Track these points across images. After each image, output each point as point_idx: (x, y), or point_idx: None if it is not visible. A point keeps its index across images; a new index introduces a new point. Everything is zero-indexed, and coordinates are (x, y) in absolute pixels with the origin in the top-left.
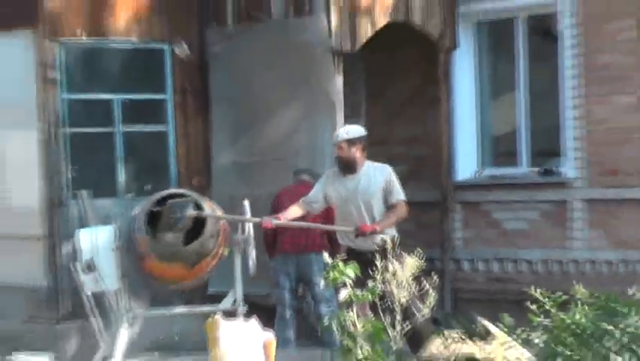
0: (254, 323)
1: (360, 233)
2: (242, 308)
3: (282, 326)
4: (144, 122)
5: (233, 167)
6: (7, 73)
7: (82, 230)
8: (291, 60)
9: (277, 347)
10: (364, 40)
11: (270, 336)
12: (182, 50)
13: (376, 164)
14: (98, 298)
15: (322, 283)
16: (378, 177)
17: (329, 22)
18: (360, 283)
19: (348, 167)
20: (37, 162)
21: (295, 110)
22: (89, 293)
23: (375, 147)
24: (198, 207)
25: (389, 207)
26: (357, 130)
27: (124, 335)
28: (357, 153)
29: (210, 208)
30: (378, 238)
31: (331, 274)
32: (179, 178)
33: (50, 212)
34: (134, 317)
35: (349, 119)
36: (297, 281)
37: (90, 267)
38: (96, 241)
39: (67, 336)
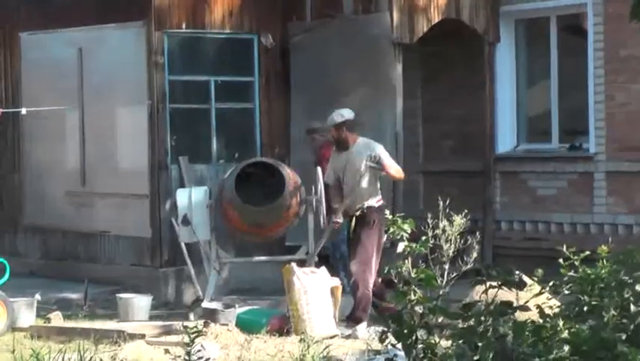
0: (323, 271)
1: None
2: (313, 258)
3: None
4: (234, 100)
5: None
6: (122, 58)
7: (180, 190)
8: (359, 50)
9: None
10: (421, 34)
11: (337, 282)
12: (268, 40)
13: (367, 140)
14: (192, 248)
15: None
16: (363, 153)
17: (391, 18)
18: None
19: (339, 145)
20: (145, 132)
21: (361, 92)
22: (185, 243)
23: (429, 124)
24: (278, 172)
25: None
26: (342, 114)
27: (213, 280)
28: (345, 133)
29: (290, 173)
30: (359, 206)
31: (391, 228)
32: (262, 148)
33: (155, 174)
34: (222, 264)
35: (407, 100)
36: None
37: (186, 221)
38: (192, 199)
39: (166, 280)
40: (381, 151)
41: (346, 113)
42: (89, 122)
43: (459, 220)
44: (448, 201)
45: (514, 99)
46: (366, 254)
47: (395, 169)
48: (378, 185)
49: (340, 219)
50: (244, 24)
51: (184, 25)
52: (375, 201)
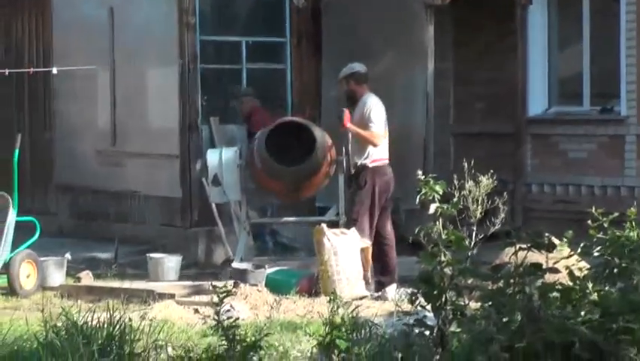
0: (353, 232)
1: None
2: (343, 219)
3: None
4: (266, 60)
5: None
6: (153, 17)
7: (211, 150)
8: (391, 12)
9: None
10: None
11: (367, 243)
12: (300, 0)
13: (368, 96)
14: (223, 208)
15: None
16: (360, 107)
17: None
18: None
19: (348, 98)
20: (176, 92)
21: (392, 53)
22: (215, 204)
23: (460, 87)
24: (310, 133)
25: None
26: (351, 67)
27: (243, 240)
28: (352, 86)
29: (321, 133)
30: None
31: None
32: (293, 108)
33: (185, 134)
34: (252, 225)
35: (438, 62)
36: None
37: (217, 181)
38: (222, 160)
39: (196, 240)
40: (371, 109)
41: (355, 67)
42: (120, 82)
43: (486, 181)
44: (474, 163)
45: (545, 62)
46: (356, 215)
47: (365, 133)
48: (382, 145)
49: None
50: None
51: None
52: (370, 161)
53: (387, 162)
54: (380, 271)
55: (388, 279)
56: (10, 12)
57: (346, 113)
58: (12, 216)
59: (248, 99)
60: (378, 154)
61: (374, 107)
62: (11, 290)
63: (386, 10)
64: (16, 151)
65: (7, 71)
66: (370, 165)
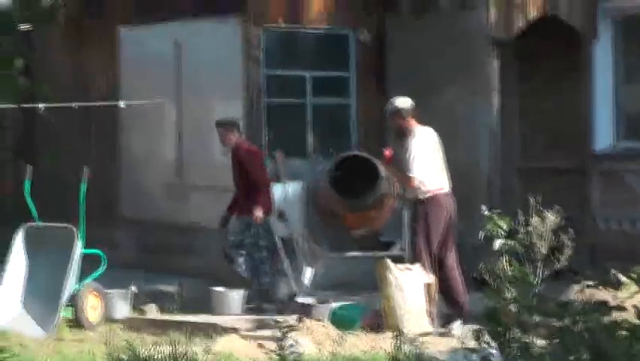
0: (417, 267)
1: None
2: (408, 254)
3: None
4: (330, 95)
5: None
6: (219, 51)
7: (275, 184)
8: (455, 46)
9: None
10: (517, 30)
11: (431, 279)
12: (364, 35)
13: (412, 133)
14: (287, 242)
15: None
16: (404, 146)
17: (488, 15)
18: None
19: (396, 133)
20: (241, 127)
21: (456, 87)
22: (280, 238)
23: (525, 121)
24: (374, 167)
25: None
26: (392, 102)
27: (307, 274)
28: (399, 121)
29: (383, 168)
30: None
31: (487, 225)
32: (358, 143)
33: None
34: (316, 259)
35: (503, 97)
36: None
37: (281, 215)
38: (287, 194)
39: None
40: (410, 152)
41: (397, 102)
42: (186, 116)
43: (551, 217)
44: (541, 198)
45: (611, 96)
46: (417, 250)
47: (401, 177)
48: (434, 177)
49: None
50: (340, 19)
51: (281, 20)
52: (422, 193)
53: (443, 191)
54: (446, 306)
55: (454, 314)
56: (78, 45)
57: (386, 152)
58: (78, 249)
59: (222, 130)
60: (430, 185)
61: (414, 149)
62: (77, 322)
63: (451, 44)
64: (83, 184)
65: (74, 105)
66: (422, 197)
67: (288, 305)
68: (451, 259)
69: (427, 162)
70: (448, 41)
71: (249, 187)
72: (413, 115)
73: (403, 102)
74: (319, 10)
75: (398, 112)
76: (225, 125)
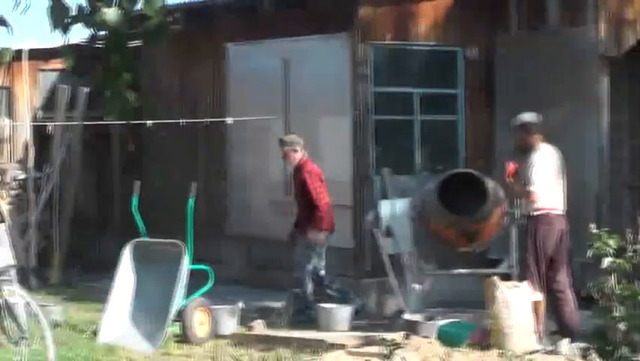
0: (525, 285)
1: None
2: (516, 272)
3: None
4: (438, 112)
5: (514, 152)
6: (326, 68)
7: (383, 201)
8: (564, 63)
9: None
10: (628, 48)
11: (539, 297)
12: (473, 52)
13: (536, 148)
14: (395, 259)
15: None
16: (527, 161)
17: (598, 32)
18: None
19: (519, 147)
20: (349, 144)
21: (566, 105)
22: (387, 254)
23: (635, 138)
24: (482, 184)
25: None
26: (519, 118)
27: (415, 291)
28: (523, 136)
29: (493, 185)
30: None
31: (596, 243)
32: (466, 160)
33: (358, 185)
34: (424, 276)
35: (613, 114)
36: None
37: (389, 232)
38: (395, 211)
39: (369, 290)
40: (533, 166)
41: (524, 117)
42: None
43: None
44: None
45: None
46: (526, 267)
47: (522, 191)
48: (550, 195)
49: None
50: (449, 36)
51: (388, 37)
52: (534, 210)
53: (555, 211)
54: (555, 324)
55: (563, 333)
56: (187, 62)
57: (509, 166)
58: (186, 264)
59: (286, 149)
60: (543, 203)
61: (537, 163)
62: (185, 338)
63: (560, 60)
64: (191, 200)
65: (182, 122)
66: (534, 214)
67: (396, 322)
68: (563, 278)
69: (546, 179)
70: (558, 58)
71: (310, 206)
72: (539, 131)
73: (531, 117)
74: (428, 27)
75: (524, 126)
76: (290, 144)
